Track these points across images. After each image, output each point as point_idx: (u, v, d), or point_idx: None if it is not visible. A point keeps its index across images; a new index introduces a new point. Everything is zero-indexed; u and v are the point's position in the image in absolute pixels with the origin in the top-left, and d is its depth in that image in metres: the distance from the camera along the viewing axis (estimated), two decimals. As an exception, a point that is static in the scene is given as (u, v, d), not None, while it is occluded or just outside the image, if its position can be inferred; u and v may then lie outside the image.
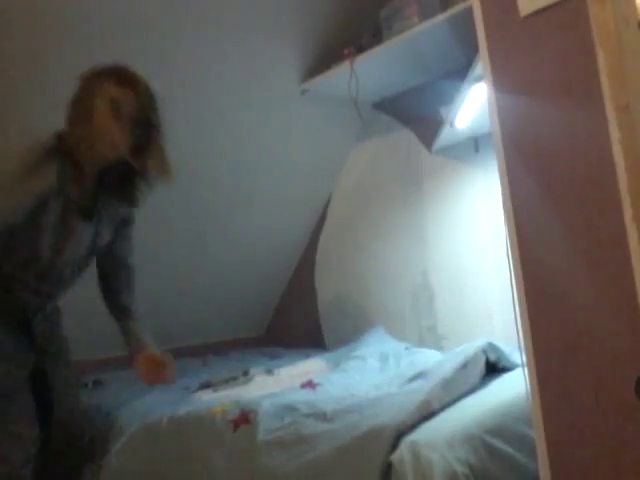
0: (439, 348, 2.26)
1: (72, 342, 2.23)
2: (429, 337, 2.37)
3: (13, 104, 1.87)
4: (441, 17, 1.94)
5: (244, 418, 1.48)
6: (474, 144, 2.24)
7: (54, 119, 1.45)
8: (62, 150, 1.41)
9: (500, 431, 1.30)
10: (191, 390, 1.92)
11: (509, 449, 1.27)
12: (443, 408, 1.37)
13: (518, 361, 1.60)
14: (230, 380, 1.99)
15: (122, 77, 1.43)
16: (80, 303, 2.19)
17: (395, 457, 1.18)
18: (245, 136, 2.39)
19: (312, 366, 2.10)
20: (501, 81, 1.04)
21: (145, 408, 1.74)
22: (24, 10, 1.72)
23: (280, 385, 1.88)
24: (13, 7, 1.70)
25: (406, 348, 2.17)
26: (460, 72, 1.98)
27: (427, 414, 1.31)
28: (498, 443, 1.27)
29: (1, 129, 1.87)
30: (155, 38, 1.97)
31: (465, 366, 1.55)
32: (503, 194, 1.03)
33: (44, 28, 1.78)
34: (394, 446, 1.20)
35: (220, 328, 2.82)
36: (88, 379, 2.14)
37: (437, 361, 1.81)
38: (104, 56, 1.48)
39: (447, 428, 1.27)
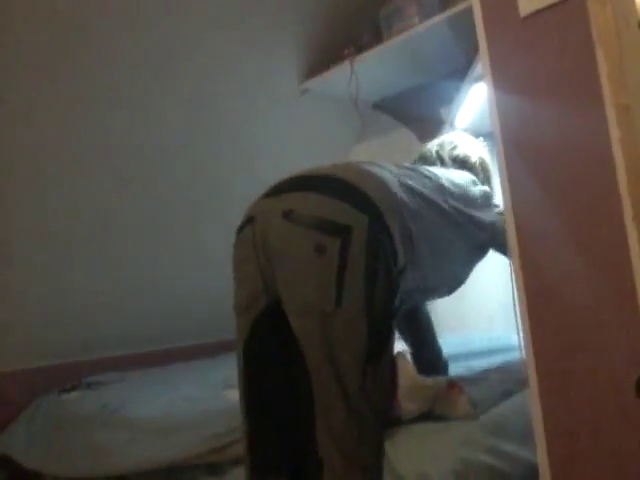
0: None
1: (72, 342, 2.24)
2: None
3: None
4: (441, 17, 1.94)
5: None
6: (474, 144, 2.23)
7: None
8: None
9: (500, 429, 1.29)
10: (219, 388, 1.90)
11: (509, 446, 1.27)
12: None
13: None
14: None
15: None
16: (79, 303, 2.20)
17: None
18: (244, 136, 2.39)
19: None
20: (501, 81, 1.04)
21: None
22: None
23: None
24: None
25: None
26: (460, 72, 1.98)
27: None
28: (498, 441, 1.26)
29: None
30: (154, 38, 1.97)
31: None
32: (503, 194, 1.03)
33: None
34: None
35: (226, 328, 2.81)
36: (88, 379, 2.14)
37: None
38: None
39: (445, 427, 1.27)
